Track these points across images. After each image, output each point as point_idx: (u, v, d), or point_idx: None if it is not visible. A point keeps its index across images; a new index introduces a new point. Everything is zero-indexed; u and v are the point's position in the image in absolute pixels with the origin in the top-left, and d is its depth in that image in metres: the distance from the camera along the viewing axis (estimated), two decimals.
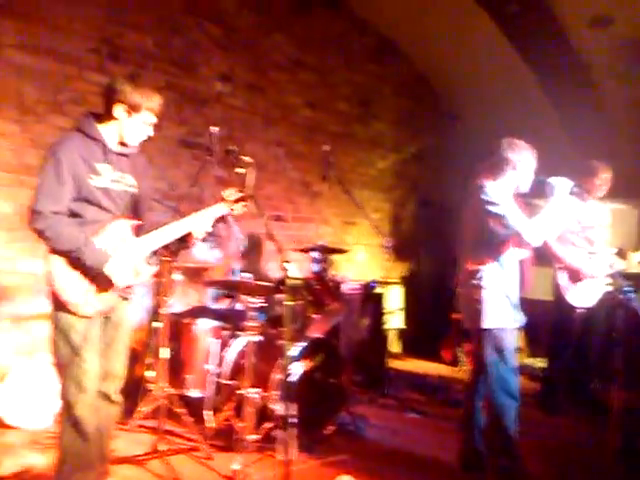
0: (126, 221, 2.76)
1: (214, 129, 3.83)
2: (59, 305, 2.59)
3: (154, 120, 2.77)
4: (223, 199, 2.95)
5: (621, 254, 4.26)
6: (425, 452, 3.84)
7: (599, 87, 6.54)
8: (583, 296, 4.53)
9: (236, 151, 2.98)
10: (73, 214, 2.63)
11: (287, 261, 2.56)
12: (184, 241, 2.93)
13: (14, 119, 4.30)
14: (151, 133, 2.79)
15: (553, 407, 4.67)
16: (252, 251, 5.28)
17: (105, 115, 2.72)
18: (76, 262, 2.58)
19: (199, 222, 2.92)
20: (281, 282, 2.48)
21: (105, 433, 2.81)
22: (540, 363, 5.73)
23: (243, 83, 5.77)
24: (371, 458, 3.69)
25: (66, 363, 2.61)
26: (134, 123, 2.71)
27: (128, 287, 2.76)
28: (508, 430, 3.24)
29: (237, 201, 2.97)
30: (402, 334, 7.14)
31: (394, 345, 7.06)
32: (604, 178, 4.56)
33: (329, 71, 6.60)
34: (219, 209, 2.97)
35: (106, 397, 2.78)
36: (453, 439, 3.58)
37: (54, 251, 2.58)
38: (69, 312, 2.59)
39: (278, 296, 4.11)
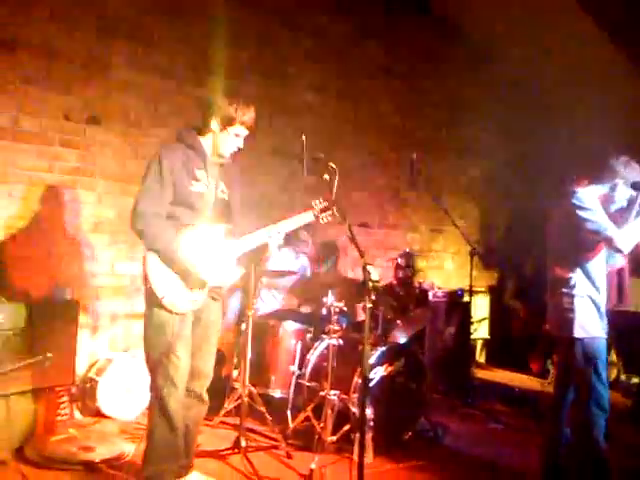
0: (219, 225, 2.91)
1: (304, 137, 3.97)
2: (154, 302, 2.74)
3: (246, 133, 2.92)
4: (311, 207, 3.05)
5: None
6: (506, 463, 3.79)
7: None
8: None
9: (322, 158, 3.05)
10: (170, 216, 2.78)
11: (369, 264, 2.59)
12: (259, 251, 3.04)
13: (119, 131, 4.64)
14: (241, 145, 2.94)
15: None
16: (329, 257, 5.38)
17: (203, 127, 2.89)
18: (171, 262, 2.73)
19: (288, 228, 3.03)
20: (362, 284, 2.53)
21: (194, 430, 2.98)
22: (635, 379, 5.45)
23: (333, 92, 5.90)
24: (448, 466, 3.68)
25: (159, 359, 2.73)
26: (227, 136, 2.87)
27: (218, 288, 2.92)
28: (597, 442, 3.14)
29: (323, 210, 3.05)
30: (488, 344, 7.01)
31: (480, 355, 6.94)
32: None
33: (419, 78, 6.61)
34: (306, 216, 3.07)
35: (197, 396, 2.93)
36: (535, 452, 3.48)
37: (151, 250, 2.74)
38: (163, 309, 2.72)
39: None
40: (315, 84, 5.76)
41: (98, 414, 4.01)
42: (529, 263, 6.86)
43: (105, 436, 3.71)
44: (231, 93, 4.97)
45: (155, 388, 2.78)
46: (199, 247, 2.79)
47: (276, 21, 5.48)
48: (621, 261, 3.44)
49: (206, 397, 2.98)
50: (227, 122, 2.83)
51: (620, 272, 4.13)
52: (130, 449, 3.44)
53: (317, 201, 3.07)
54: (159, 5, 4.81)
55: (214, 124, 2.84)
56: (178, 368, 2.76)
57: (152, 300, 2.75)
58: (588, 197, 3.17)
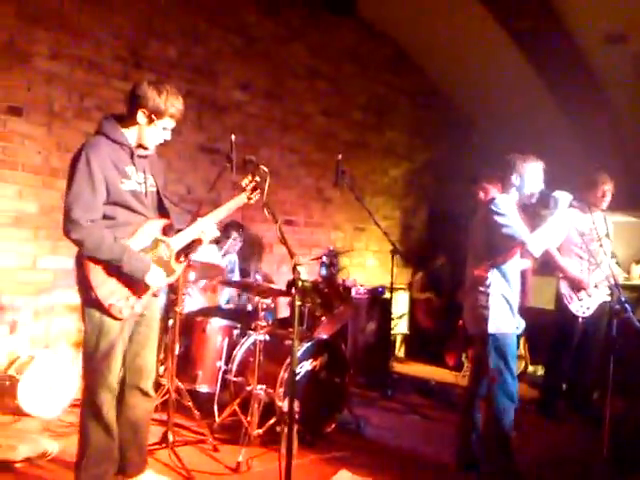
0: (157, 221, 2.87)
1: (233, 137, 4.01)
2: (97, 310, 2.66)
3: (173, 125, 2.84)
4: (243, 189, 3.03)
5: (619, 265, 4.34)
6: (423, 452, 3.98)
7: (612, 102, 6.65)
8: (584, 306, 4.65)
9: (254, 161, 3.07)
10: (105, 217, 2.68)
11: (298, 264, 2.65)
12: (191, 245, 3.00)
13: (42, 123, 4.53)
14: (169, 138, 2.86)
15: (551, 414, 4.79)
16: (253, 254, 5.46)
17: (127, 118, 2.77)
18: (116, 270, 2.64)
19: (223, 215, 3.03)
20: (291, 284, 2.61)
21: (144, 428, 2.96)
22: (541, 371, 5.84)
23: (261, 91, 5.98)
24: (370, 456, 3.83)
25: (98, 365, 2.68)
26: (155, 128, 2.77)
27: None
28: (506, 432, 3.38)
29: (253, 190, 3.06)
30: (407, 338, 7.29)
31: (399, 349, 7.21)
32: (605, 190, 4.66)
33: (345, 80, 6.79)
34: (239, 200, 3.06)
35: (144, 393, 2.90)
36: (451, 441, 3.71)
37: (91, 258, 2.62)
38: (108, 316, 2.66)
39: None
40: (243, 82, 5.82)
41: (18, 412, 3.91)
42: (438, 259, 7.17)
43: (26, 434, 3.62)
44: (160, 86, 4.99)
45: (90, 394, 2.73)
46: (141, 248, 2.74)
47: (205, 18, 5.49)
48: (527, 263, 3.72)
49: (152, 393, 2.97)
50: (156, 115, 2.73)
51: (524, 273, 4.42)
52: (54, 447, 3.39)
53: (246, 180, 3.06)
54: None
55: (141, 116, 2.72)
56: (115, 374, 2.74)
57: (95, 308, 2.67)
58: (505, 203, 3.39)
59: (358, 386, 5.36)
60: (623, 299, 3.37)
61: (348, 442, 4.03)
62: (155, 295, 2.92)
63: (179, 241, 2.90)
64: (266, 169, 2.90)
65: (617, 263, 4.66)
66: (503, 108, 7.57)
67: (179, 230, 2.94)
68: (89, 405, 2.74)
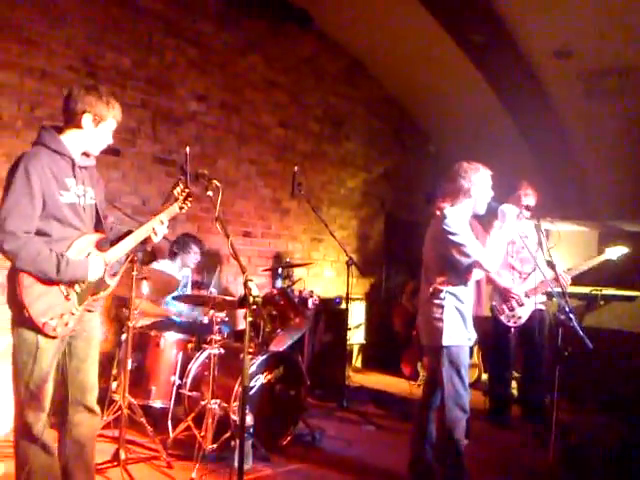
0: (90, 236, 2.78)
1: (188, 149, 3.99)
2: (30, 329, 2.56)
3: (115, 127, 2.80)
4: (176, 198, 2.98)
5: (551, 266, 4.38)
6: (378, 463, 4.01)
7: (561, 116, 6.86)
8: (516, 315, 4.77)
9: (206, 175, 3.00)
10: (39, 233, 2.58)
11: (250, 280, 2.64)
12: (145, 248, 2.98)
13: None
14: (111, 141, 2.83)
15: (502, 422, 4.89)
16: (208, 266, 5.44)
17: (68, 126, 2.70)
18: (50, 285, 2.57)
19: (156, 227, 2.93)
20: (243, 299, 2.61)
21: (89, 446, 2.87)
22: None
23: (217, 102, 5.96)
24: (325, 467, 3.86)
25: (32, 389, 2.59)
26: (100, 132, 2.73)
27: (95, 300, 2.82)
28: (458, 442, 3.43)
29: (186, 199, 3.02)
30: (364, 349, 7.35)
31: (356, 359, 7.27)
32: (523, 197, 4.76)
33: (302, 91, 6.82)
34: (172, 210, 3.01)
35: (89, 409, 2.83)
36: (406, 451, 3.74)
37: (24, 272, 2.53)
38: (41, 335, 2.56)
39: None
40: (199, 93, 5.79)
41: None
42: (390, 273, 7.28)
43: None
44: (97, 88, 4.93)
45: (23, 415, 2.63)
46: (76, 262, 2.66)
47: (161, 28, 5.45)
48: (480, 273, 3.79)
49: (97, 408, 2.90)
50: (101, 118, 2.69)
51: (478, 283, 4.51)
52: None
53: (178, 189, 3.01)
54: (35, 3, 4.62)
55: (86, 120, 2.67)
56: (47, 393, 2.65)
57: (28, 326, 2.56)
58: (455, 220, 3.42)
59: (314, 397, 5.39)
60: (568, 309, 3.45)
61: (304, 454, 4.05)
62: (90, 311, 2.84)
63: (113, 255, 2.83)
64: (218, 183, 2.88)
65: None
66: (457, 118, 7.74)
67: (112, 243, 2.87)
68: (22, 427, 2.64)
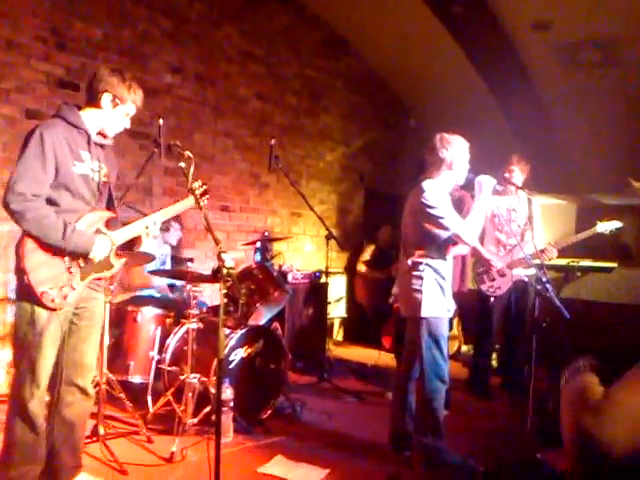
0: (101, 212, 2.79)
1: (161, 121, 3.91)
2: (29, 298, 2.56)
3: (134, 113, 2.82)
4: (192, 192, 2.92)
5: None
6: (358, 434, 4.03)
7: (538, 88, 6.85)
8: (495, 285, 4.80)
9: (178, 146, 2.96)
10: (49, 201, 2.59)
11: (223, 251, 2.59)
12: (132, 242, 2.94)
13: None
14: (128, 125, 2.84)
15: (481, 392, 4.95)
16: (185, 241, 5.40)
17: (88, 103, 2.75)
18: (55, 250, 2.56)
19: (169, 215, 3.01)
20: (217, 271, 2.57)
21: (79, 427, 2.86)
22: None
23: (193, 74, 5.84)
24: (306, 440, 3.86)
25: (28, 357, 2.59)
26: (117, 114, 2.76)
27: (99, 279, 2.79)
28: (437, 412, 3.47)
29: (203, 194, 3.08)
30: (344, 322, 7.37)
31: (337, 333, 7.29)
32: (512, 169, 4.80)
33: (279, 64, 6.71)
34: (188, 202, 3.04)
35: (82, 391, 2.81)
36: (386, 422, 3.77)
37: (30, 236, 2.53)
38: (40, 305, 2.56)
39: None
40: (173, 65, 5.66)
41: None
42: (382, 229, 7.26)
43: None
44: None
45: (17, 388, 2.63)
46: (82, 233, 2.64)
47: None
48: (465, 249, 3.79)
49: (91, 391, 2.88)
50: (120, 100, 2.73)
51: (463, 259, 4.52)
52: None
53: (196, 184, 3.05)
54: None
55: (105, 100, 2.71)
56: (44, 369, 2.63)
57: (28, 296, 2.56)
58: (434, 193, 3.42)
59: (295, 371, 5.40)
60: (544, 279, 3.47)
61: (284, 427, 4.05)
62: (96, 290, 2.82)
63: (121, 236, 2.83)
64: (190, 154, 2.82)
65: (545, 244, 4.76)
66: (438, 92, 7.70)
67: (124, 224, 2.88)
68: (16, 400, 2.65)
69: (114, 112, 2.76)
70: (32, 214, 2.50)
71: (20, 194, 2.49)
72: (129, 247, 2.94)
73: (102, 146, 2.83)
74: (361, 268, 7.08)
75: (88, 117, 2.75)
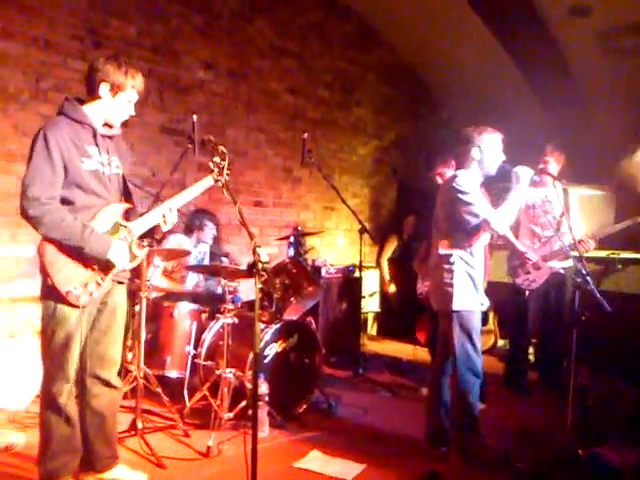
0: (118, 205, 2.79)
1: (195, 117, 3.93)
2: (55, 297, 2.58)
3: (136, 98, 2.78)
4: (211, 170, 2.86)
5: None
6: (394, 430, 3.99)
7: (576, 76, 6.69)
8: (530, 279, 4.70)
9: (212, 141, 2.93)
10: (63, 201, 2.59)
11: (258, 246, 2.59)
12: (153, 231, 2.94)
13: None
14: (133, 112, 2.80)
15: (517, 387, 4.86)
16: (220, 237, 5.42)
17: (89, 96, 2.72)
18: (75, 250, 2.57)
19: (185, 199, 2.92)
20: (252, 266, 2.56)
21: (110, 418, 2.89)
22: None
23: (225, 70, 5.86)
24: (341, 435, 3.84)
25: (57, 355, 2.62)
26: (118, 102, 2.72)
27: (123, 271, 2.80)
28: (472, 407, 3.43)
29: (221, 171, 2.91)
30: (379, 317, 7.32)
31: (370, 327, 7.25)
32: (547, 160, 4.71)
33: (311, 58, 6.69)
34: (206, 181, 2.93)
35: (107, 383, 2.83)
36: (422, 417, 3.73)
37: (50, 240, 2.55)
38: (65, 304, 2.58)
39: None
40: (206, 61, 5.69)
41: None
42: (405, 232, 7.18)
43: None
44: (118, 59, 4.84)
45: (46, 385, 2.67)
46: (101, 230, 2.66)
47: None
48: (487, 239, 3.72)
49: (117, 382, 2.91)
50: (119, 87, 2.68)
51: (484, 248, 4.44)
52: (20, 439, 3.34)
53: (216, 160, 2.89)
54: None
55: (104, 90, 2.67)
56: (73, 364, 2.66)
57: (53, 295, 2.58)
58: (466, 180, 3.40)
59: (330, 366, 5.39)
60: (584, 271, 3.39)
61: (320, 422, 4.04)
62: (120, 282, 2.85)
63: (140, 226, 2.81)
64: (224, 149, 2.81)
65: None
66: (470, 82, 7.56)
67: (142, 214, 2.86)
68: (47, 396, 2.68)
69: (115, 101, 2.71)
70: (49, 218, 2.51)
71: (35, 199, 2.49)
72: (150, 235, 2.93)
73: (110, 137, 2.80)
74: (384, 266, 7.04)
75: (91, 110, 2.72)
